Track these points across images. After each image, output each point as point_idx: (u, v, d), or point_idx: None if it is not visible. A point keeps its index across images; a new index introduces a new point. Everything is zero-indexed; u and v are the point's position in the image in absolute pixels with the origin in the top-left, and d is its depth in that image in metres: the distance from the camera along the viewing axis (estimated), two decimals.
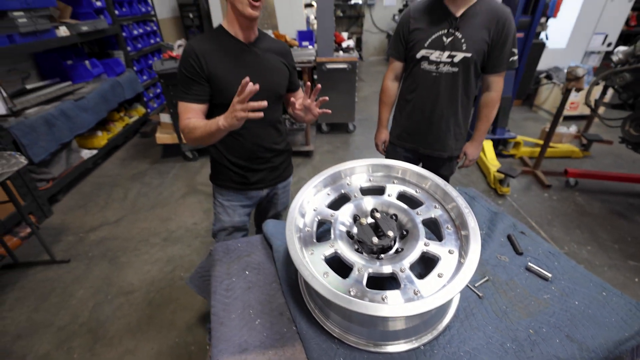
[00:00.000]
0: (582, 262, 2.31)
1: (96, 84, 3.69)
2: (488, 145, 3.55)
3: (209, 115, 1.31)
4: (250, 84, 0.98)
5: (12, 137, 2.59)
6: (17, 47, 2.77)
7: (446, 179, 1.81)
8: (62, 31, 3.25)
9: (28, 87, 3.22)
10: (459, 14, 1.47)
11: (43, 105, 3.06)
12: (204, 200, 3.10)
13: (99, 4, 3.91)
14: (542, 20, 3.37)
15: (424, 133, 1.72)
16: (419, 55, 1.57)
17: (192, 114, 1.26)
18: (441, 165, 1.82)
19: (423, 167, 1.77)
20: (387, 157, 1.92)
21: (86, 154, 3.54)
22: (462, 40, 1.48)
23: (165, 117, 3.68)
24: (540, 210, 2.84)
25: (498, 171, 3.02)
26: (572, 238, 2.52)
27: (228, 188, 1.53)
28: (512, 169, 2.93)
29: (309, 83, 1.22)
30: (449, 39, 1.50)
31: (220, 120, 1.10)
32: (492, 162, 3.35)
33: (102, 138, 3.79)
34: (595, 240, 2.49)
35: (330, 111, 1.31)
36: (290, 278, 1.10)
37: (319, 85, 1.29)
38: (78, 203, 3.14)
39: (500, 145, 3.73)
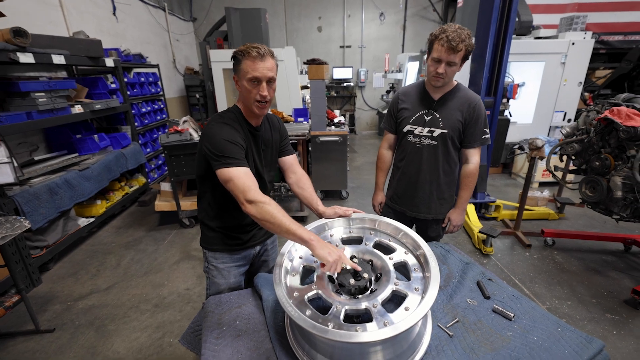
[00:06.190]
0: (563, 316, 2.36)
1: (101, 156, 3.80)
2: (471, 209, 3.76)
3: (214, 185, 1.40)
4: (355, 265, 1.09)
5: (15, 204, 2.66)
6: (33, 122, 2.87)
7: (434, 240, 1.97)
8: (77, 109, 3.37)
9: (36, 158, 3.33)
10: (437, 98, 1.79)
11: (49, 175, 3.16)
12: (198, 265, 3.13)
13: (113, 85, 4.23)
14: (504, 100, 3.88)
15: (411, 196, 1.95)
16: (405, 130, 1.86)
17: (253, 181, 1.24)
18: (428, 227, 2.00)
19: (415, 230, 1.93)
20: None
21: (83, 222, 3.57)
22: (440, 119, 1.77)
23: (165, 186, 3.85)
24: (523, 269, 2.94)
25: (480, 232, 3.18)
26: (553, 294, 2.60)
27: (222, 251, 1.57)
28: (492, 230, 3.10)
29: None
30: (429, 117, 1.79)
31: (314, 237, 1.08)
32: (475, 224, 3.52)
33: (100, 207, 3.83)
34: (574, 296, 2.57)
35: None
36: (277, 325, 1.18)
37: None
38: (68, 271, 3.11)
39: (482, 209, 3.97)
